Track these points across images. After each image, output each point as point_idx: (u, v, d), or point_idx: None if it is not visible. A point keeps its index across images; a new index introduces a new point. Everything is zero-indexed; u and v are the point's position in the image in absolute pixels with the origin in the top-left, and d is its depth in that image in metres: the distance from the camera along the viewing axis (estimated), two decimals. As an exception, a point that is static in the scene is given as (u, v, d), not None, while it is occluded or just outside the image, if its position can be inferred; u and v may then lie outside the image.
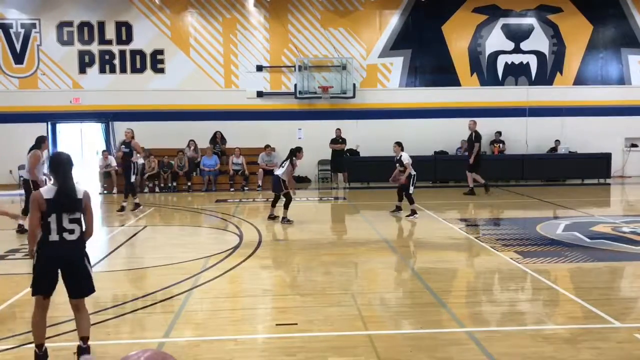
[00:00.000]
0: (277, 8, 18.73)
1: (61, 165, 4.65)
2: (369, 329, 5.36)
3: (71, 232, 4.63)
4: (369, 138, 17.93)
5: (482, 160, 15.70)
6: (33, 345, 4.77)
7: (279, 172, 11.58)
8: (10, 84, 18.43)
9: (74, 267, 4.70)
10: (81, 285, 4.78)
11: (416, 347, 4.88)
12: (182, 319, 5.73)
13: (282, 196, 11.67)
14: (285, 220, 11.32)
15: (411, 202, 11.73)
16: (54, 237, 4.57)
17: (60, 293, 4.92)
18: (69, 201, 4.59)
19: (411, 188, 11.67)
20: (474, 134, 15.46)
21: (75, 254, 4.70)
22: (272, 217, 11.78)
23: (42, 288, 4.66)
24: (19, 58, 18.39)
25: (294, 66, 18.78)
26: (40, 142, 10.67)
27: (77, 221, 4.67)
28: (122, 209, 13.09)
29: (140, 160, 13.50)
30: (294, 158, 11.54)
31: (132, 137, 13.21)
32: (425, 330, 5.31)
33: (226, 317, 5.88)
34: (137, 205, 13.26)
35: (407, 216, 11.64)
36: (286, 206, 11.55)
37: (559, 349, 4.80)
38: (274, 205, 11.85)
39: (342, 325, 5.46)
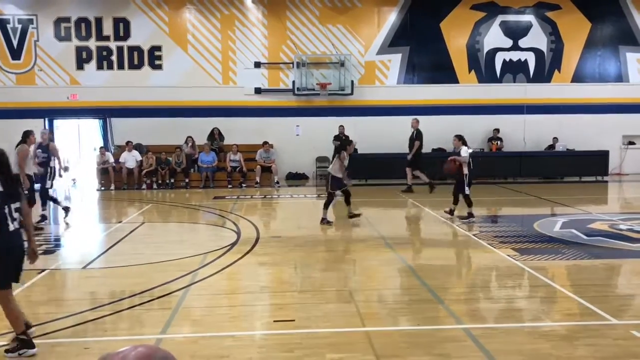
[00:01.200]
0: (276, 4, 18.69)
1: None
2: (367, 325, 5.37)
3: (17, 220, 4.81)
4: (367, 135, 17.88)
5: (421, 159, 15.65)
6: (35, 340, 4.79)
7: (329, 169, 11.02)
8: (7, 80, 18.37)
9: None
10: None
11: (413, 344, 4.88)
12: (179, 315, 5.74)
13: (341, 193, 11.06)
14: (327, 222, 10.65)
15: (469, 204, 10.76)
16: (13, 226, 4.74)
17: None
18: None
19: (467, 189, 10.68)
20: (415, 131, 15.56)
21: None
22: (329, 222, 10.75)
23: (15, 277, 4.87)
24: (16, 54, 18.32)
25: (292, 63, 18.74)
26: (26, 137, 10.60)
27: (19, 210, 4.82)
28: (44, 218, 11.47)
29: (58, 165, 11.71)
30: (343, 152, 10.80)
31: (51, 140, 11.87)
32: (423, 327, 5.32)
33: (224, 313, 5.89)
34: (44, 218, 11.42)
35: (462, 219, 10.78)
36: (347, 202, 11.04)
37: (556, 346, 4.81)
38: (325, 207, 10.84)
39: (339, 322, 5.46)
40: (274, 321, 5.56)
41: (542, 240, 9.15)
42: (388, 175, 16.99)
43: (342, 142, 11.06)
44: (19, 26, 18.22)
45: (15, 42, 18.25)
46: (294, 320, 5.50)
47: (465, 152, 10.69)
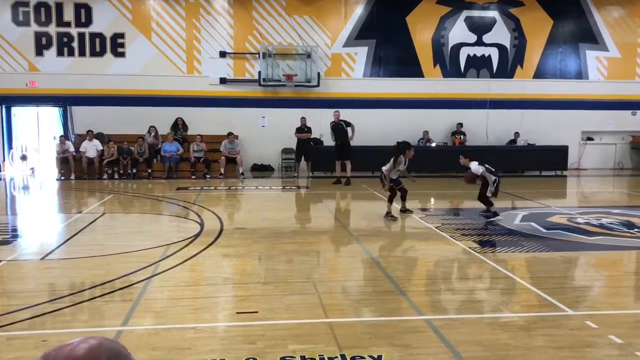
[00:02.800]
0: (242, -6, 18.52)
1: None
2: (330, 316, 5.39)
3: None
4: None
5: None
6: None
7: (384, 167, 10.77)
8: (-39, 65, 17.78)
9: None
10: None
11: (376, 335, 4.92)
12: (140, 307, 5.65)
13: (396, 190, 10.80)
14: (390, 216, 10.45)
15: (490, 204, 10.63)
16: None
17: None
18: None
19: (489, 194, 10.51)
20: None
21: None
22: (392, 216, 10.54)
23: None
24: (-29, 38, 17.73)
25: (258, 53, 18.62)
26: None
27: None
28: None
29: None
30: (402, 156, 10.53)
31: None
32: (385, 318, 5.37)
33: (186, 305, 5.82)
34: None
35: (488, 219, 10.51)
36: (403, 198, 10.85)
37: (514, 336, 4.91)
38: (390, 200, 10.70)
39: (302, 313, 5.47)
40: (237, 313, 5.53)
41: (502, 233, 9.32)
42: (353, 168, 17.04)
43: (399, 145, 10.77)
44: (-25, 9, 17.62)
45: (-30, 26, 17.65)
46: (257, 312, 5.48)
47: (475, 165, 10.73)
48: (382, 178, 10.73)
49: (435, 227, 9.75)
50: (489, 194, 10.57)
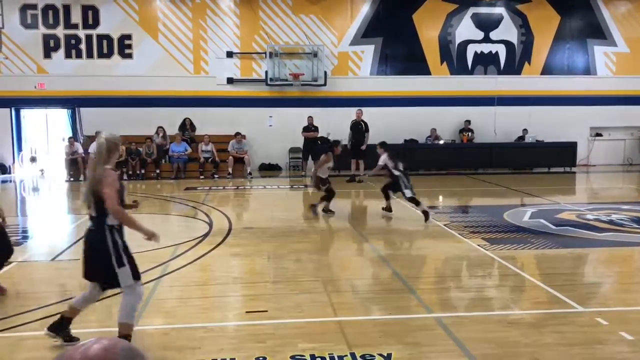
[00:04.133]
0: (248, -6, 18.53)
1: None
2: (339, 315, 5.40)
3: None
4: (339, 126, 17.88)
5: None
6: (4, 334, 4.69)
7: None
8: (-30, 68, 17.92)
9: None
10: None
11: (385, 333, 4.93)
12: (151, 307, 5.69)
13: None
14: (318, 211, 10.71)
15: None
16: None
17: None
18: None
19: (406, 192, 10.26)
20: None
21: None
22: None
23: None
24: (-20, 41, 17.87)
25: (265, 53, 18.64)
26: None
27: None
28: None
29: None
30: (330, 153, 10.73)
31: None
32: (394, 316, 5.37)
33: (196, 304, 5.86)
34: None
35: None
36: (328, 199, 10.83)
37: (524, 334, 4.91)
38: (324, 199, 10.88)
39: (312, 312, 5.48)
40: (246, 312, 5.56)
41: (511, 230, 9.30)
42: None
43: (330, 142, 10.97)
44: (-16, 12, 17.75)
45: (-21, 29, 17.78)
46: (266, 311, 5.50)
47: (382, 158, 10.56)
48: (313, 178, 10.82)
49: (444, 225, 9.73)
50: (406, 192, 10.24)
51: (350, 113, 17.01)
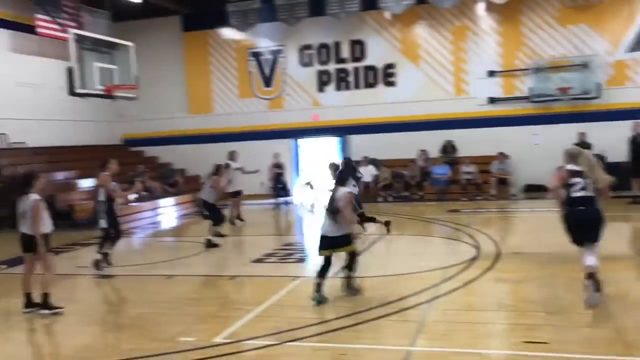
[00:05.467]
0: (510, 10, 17.98)
1: None
2: (635, 354, 4.84)
3: None
4: (618, 142, 16.04)
5: None
6: (295, 342, 5.28)
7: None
8: (261, 105, 20.61)
9: None
10: None
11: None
12: (425, 328, 5.82)
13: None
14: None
15: None
16: None
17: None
18: None
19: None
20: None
21: None
22: None
23: None
24: (268, 81, 20.49)
25: (528, 69, 17.86)
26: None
27: None
28: None
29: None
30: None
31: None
32: None
33: (469, 330, 5.82)
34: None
35: None
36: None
37: None
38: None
39: (599, 349, 5.02)
40: (524, 342, 5.33)
41: None
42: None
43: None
44: (271, 57, 20.36)
45: (267, 71, 20.44)
46: (547, 343, 5.20)
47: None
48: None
49: None
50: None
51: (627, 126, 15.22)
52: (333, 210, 6.78)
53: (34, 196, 6.78)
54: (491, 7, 18.17)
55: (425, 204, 16.94)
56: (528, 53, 18.01)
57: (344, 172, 7.26)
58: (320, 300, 6.83)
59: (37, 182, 6.94)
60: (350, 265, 7.16)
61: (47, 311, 6.91)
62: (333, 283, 8.03)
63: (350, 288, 7.19)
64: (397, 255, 9.79)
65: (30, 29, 16.62)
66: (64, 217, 14.78)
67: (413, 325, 5.91)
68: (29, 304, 7.05)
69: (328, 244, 6.91)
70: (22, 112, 16.94)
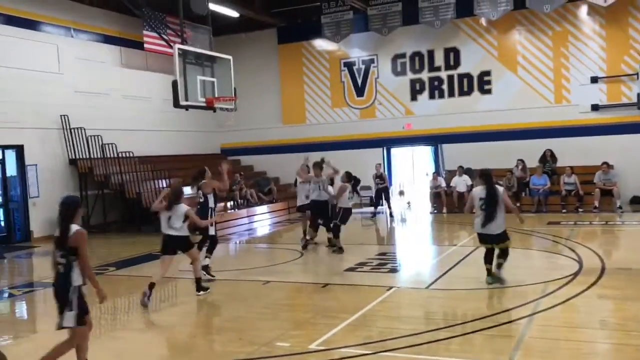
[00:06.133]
0: (615, 13, 17.05)
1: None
2: None
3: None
4: None
5: None
6: (388, 353, 5.28)
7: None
8: (352, 115, 20.76)
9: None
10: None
11: None
12: (524, 345, 5.64)
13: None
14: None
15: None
16: None
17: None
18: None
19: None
20: None
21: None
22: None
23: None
24: (360, 91, 20.61)
25: (637, 73, 16.85)
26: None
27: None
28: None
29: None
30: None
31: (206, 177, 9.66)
32: None
33: (571, 348, 5.58)
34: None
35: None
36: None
37: None
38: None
39: None
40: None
41: None
42: None
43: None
44: (362, 67, 20.49)
45: (359, 81, 20.57)
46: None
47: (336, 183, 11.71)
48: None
49: None
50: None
51: None
52: (497, 205, 7.94)
53: (184, 207, 8.12)
54: (594, 10, 17.34)
55: (523, 215, 16.25)
56: (636, 57, 17.02)
57: (490, 177, 8.23)
58: (494, 281, 8.00)
59: (183, 197, 8.32)
60: (504, 256, 8.27)
61: (202, 292, 8.44)
62: (431, 294, 7.98)
63: (498, 277, 8.16)
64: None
65: (138, 45, 17.84)
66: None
67: (511, 341, 5.74)
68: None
69: (492, 239, 8.13)
70: (130, 123, 18.11)
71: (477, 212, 8.17)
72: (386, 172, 20.12)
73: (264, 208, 17.97)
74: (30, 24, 15.81)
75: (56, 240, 5.04)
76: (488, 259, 8.22)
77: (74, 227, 5.01)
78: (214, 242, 9.66)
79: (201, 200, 9.65)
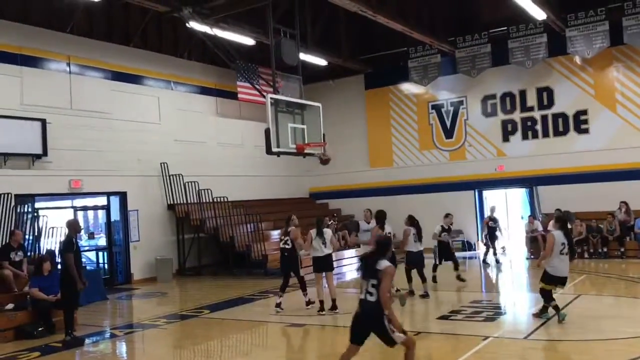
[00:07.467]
0: None
1: None
2: None
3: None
4: None
5: None
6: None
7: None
8: (441, 157, 20.51)
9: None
10: None
11: None
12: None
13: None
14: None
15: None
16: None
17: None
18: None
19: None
20: None
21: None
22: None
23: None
24: (449, 133, 20.37)
25: None
26: None
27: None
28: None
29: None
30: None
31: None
32: None
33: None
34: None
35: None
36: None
37: None
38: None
39: None
40: None
41: None
42: None
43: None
44: (451, 109, 20.31)
45: (448, 123, 20.37)
46: None
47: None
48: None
49: None
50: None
51: None
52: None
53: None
54: (701, 42, 16.38)
55: (627, 261, 15.32)
56: None
57: (566, 222, 9.01)
58: (564, 317, 8.36)
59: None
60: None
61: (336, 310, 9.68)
62: (530, 345, 7.59)
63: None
64: (598, 318, 8.91)
65: (232, 95, 18.69)
66: (257, 266, 15.94)
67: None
68: (322, 308, 9.84)
69: (564, 282, 8.75)
70: (224, 169, 18.85)
71: (555, 256, 8.55)
72: (478, 216, 19.61)
73: (352, 252, 17.92)
74: (135, 79, 17.00)
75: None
76: (552, 298, 8.68)
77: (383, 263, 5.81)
78: (302, 282, 10.50)
79: (288, 247, 10.25)
